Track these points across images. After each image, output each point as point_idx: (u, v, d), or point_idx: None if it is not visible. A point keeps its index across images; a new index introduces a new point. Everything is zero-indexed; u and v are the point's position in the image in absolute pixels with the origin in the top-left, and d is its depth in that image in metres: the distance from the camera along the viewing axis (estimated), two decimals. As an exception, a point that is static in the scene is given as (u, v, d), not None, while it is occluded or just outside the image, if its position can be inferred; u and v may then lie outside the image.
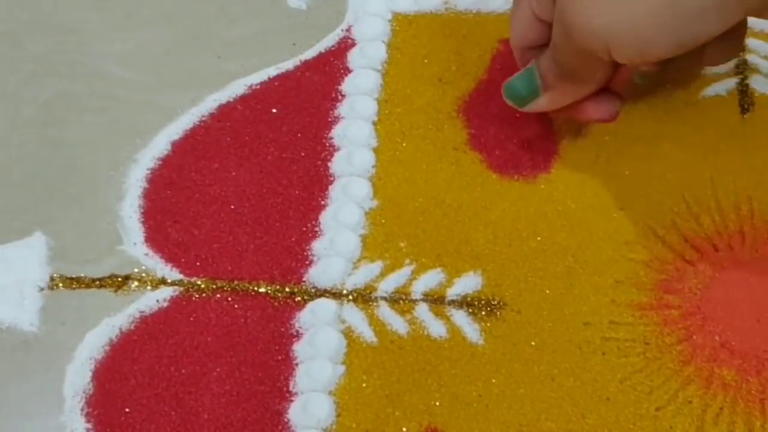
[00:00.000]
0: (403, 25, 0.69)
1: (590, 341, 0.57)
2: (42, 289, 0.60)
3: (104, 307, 0.59)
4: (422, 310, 0.59)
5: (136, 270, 0.60)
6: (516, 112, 0.65)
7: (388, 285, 0.59)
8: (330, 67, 0.68)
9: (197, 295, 0.59)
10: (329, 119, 0.66)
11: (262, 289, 0.59)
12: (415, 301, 0.59)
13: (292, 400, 0.56)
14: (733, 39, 0.59)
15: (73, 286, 0.60)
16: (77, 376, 0.57)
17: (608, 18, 0.55)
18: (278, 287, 0.60)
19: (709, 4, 0.53)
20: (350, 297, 0.59)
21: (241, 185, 0.63)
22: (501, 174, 0.63)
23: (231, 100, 0.67)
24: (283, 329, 0.58)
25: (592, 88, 0.60)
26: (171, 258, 0.61)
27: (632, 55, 0.56)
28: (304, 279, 0.60)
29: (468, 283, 0.59)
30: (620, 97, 0.62)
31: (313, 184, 0.63)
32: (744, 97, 0.65)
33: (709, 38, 0.55)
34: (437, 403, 0.56)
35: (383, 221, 0.62)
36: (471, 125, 0.65)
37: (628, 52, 0.56)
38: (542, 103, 0.61)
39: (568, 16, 0.56)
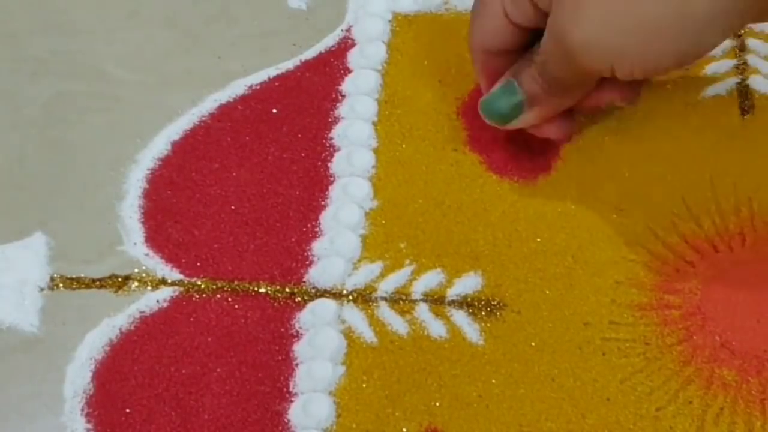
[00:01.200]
0: (403, 25, 0.69)
1: (590, 341, 0.57)
2: (42, 289, 0.60)
3: (104, 307, 0.59)
4: (422, 311, 0.59)
5: (136, 270, 0.60)
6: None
7: (388, 285, 0.59)
8: (330, 68, 0.68)
9: (197, 296, 0.59)
10: (329, 119, 0.66)
11: (262, 290, 0.59)
12: (415, 302, 0.59)
13: (292, 401, 0.56)
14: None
15: (73, 286, 0.60)
16: (77, 377, 0.57)
17: (615, 35, 0.52)
18: (278, 287, 0.60)
19: (718, 11, 0.52)
20: (350, 297, 0.59)
21: (241, 185, 0.63)
22: (501, 175, 0.63)
23: (231, 100, 0.67)
24: (283, 329, 0.58)
25: (572, 103, 0.58)
26: (171, 258, 0.61)
27: (638, 70, 0.54)
28: (304, 279, 0.60)
29: (468, 284, 0.59)
30: (574, 116, 0.61)
31: (313, 184, 0.63)
32: (744, 98, 0.65)
33: (713, 48, 0.54)
34: (437, 403, 0.56)
35: (383, 221, 0.62)
36: (471, 126, 0.65)
37: (633, 68, 0.54)
38: (528, 119, 0.59)
39: (569, 36, 0.53)
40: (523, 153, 0.64)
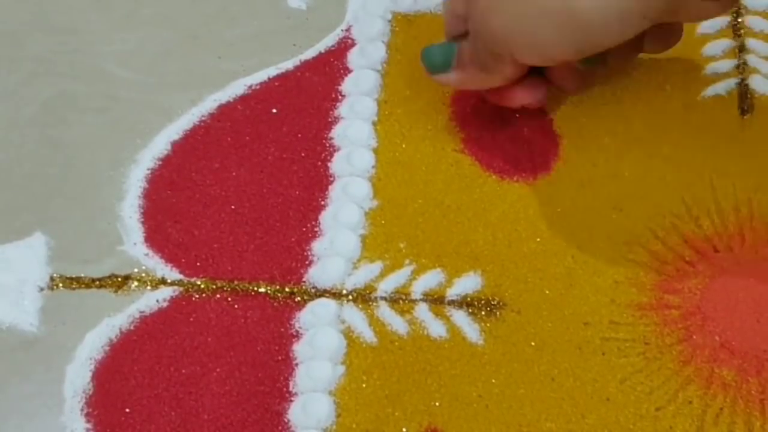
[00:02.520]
0: (403, 25, 0.69)
1: (590, 341, 0.57)
2: (42, 289, 0.60)
3: (104, 307, 0.59)
4: (422, 310, 0.59)
5: (136, 270, 0.60)
6: (516, 112, 0.65)
7: (388, 285, 0.59)
8: (330, 67, 0.68)
9: (197, 295, 0.59)
10: (329, 119, 0.66)
11: (262, 289, 0.59)
12: (415, 301, 0.59)
13: (292, 401, 0.56)
14: (668, 29, 0.62)
15: (73, 286, 0.60)
16: (77, 376, 0.57)
17: (508, 23, 0.57)
18: (278, 287, 0.60)
19: (611, 19, 0.55)
20: (350, 297, 0.59)
21: (241, 185, 0.63)
22: (500, 175, 0.63)
23: (231, 100, 0.67)
24: (283, 329, 0.58)
25: (499, 81, 0.62)
26: (171, 258, 0.61)
27: (534, 58, 0.59)
28: (304, 279, 0.60)
29: (468, 284, 0.59)
30: (547, 83, 0.63)
31: (313, 184, 0.63)
32: (744, 98, 0.65)
33: (613, 45, 0.57)
34: (437, 403, 0.56)
35: (383, 221, 0.62)
36: (471, 126, 0.65)
37: (529, 56, 0.59)
38: (451, 79, 0.63)
39: (473, 19, 0.59)
40: (523, 153, 0.64)
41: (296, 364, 0.57)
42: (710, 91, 0.66)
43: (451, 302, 0.59)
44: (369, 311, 0.59)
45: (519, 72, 0.61)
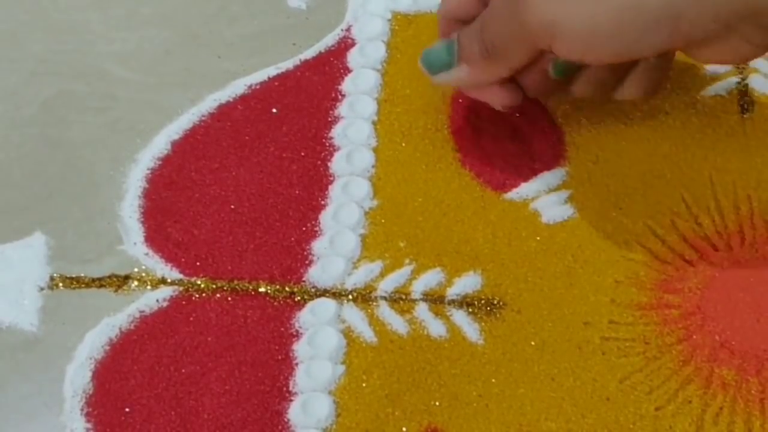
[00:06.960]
0: (402, 25, 0.69)
1: (590, 341, 0.57)
2: (42, 289, 0.60)
3: (104, 307, 0.59)
4: (422, 310, 0.59)
5: (136, 270, 0.60)
6: (516, 112, 0.65)
7: (387, 285, 0.59)
8: (330, 67, 0.68)
9: (197, 295, 0.59)
10: (329, 119, 0.66)
11: (262, 289, 0.59)
12: (414, 301, 0.59)
13: (292, 400, 0.56)
14: (652, 73, 0.59)
15: (73, 285, 0.60)
16: (77, 376, 0.57)
17: (567, 11, 0.54)
18: (278, 287, 0.60)
19: (668, 12, 0.53)
20: (350, 297, 0.59)
21: (241, 185, 0.63)
22: (500, 173, 0.63)
23: (231, 99, 0.67)
24: (283, 329, 0.58)
25: (507, 72, 0.59)
26: (171, 258, 0.61)
27: (576, 52, 0.55)
28: (304, 279, 0.60)
29: (468, 283, 0.59)
30: (522, 91, 0.61)
31: (313, 184, 0.63)
32: (744, 97, 0.65)
33: (652, 53, 0.55)
34: (437, 403, 0.56)
35: (383, 221, 0.62)
36: (471, 126, 0.65)
37: (572, 49, 0.55)
38: (456, 77, 0.60)
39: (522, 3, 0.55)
40: (523, 152, 0.64)
41: (296, 364, 0.57)
42: (710, 90, 0.66)
43: (451, 302, 0.59)
44: (369, 311, 0.59)
45: (526, 64, 0.58)
